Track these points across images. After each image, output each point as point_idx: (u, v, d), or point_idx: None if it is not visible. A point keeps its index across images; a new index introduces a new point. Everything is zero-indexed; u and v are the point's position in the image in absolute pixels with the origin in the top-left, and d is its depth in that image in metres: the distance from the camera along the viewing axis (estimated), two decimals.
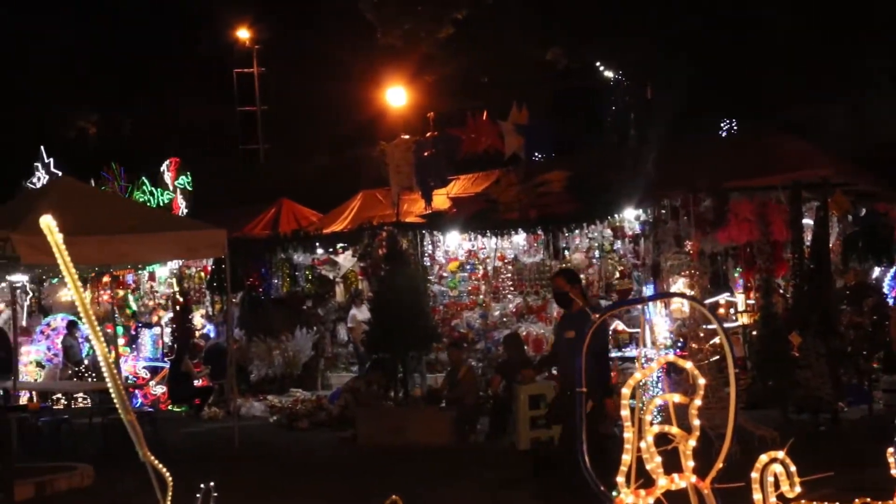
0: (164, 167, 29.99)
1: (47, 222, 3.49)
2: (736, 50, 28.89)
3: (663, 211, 18.19)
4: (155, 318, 26.91)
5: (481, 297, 23.32)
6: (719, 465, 5.10)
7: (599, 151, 26.18)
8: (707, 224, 17.39)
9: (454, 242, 23.04)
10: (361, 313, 22.50)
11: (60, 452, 15.43)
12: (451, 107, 27.70)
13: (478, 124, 21.65)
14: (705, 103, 27.94)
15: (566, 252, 22.33)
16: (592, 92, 32.73)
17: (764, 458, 5.02)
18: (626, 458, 4.83)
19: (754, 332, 17.33)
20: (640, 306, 18.37)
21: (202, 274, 26.72)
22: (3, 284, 23.11)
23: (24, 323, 25.10)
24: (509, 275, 23.43)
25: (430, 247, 22.07)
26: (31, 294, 27.72)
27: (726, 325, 16.15)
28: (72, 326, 24.13)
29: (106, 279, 25.82)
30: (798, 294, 16.61)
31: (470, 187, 23.38)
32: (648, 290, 18.61)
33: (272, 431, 18.35)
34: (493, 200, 20.55)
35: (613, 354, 18.60)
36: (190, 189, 29.49)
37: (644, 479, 4.87)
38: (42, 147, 31.68)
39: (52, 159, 31.12)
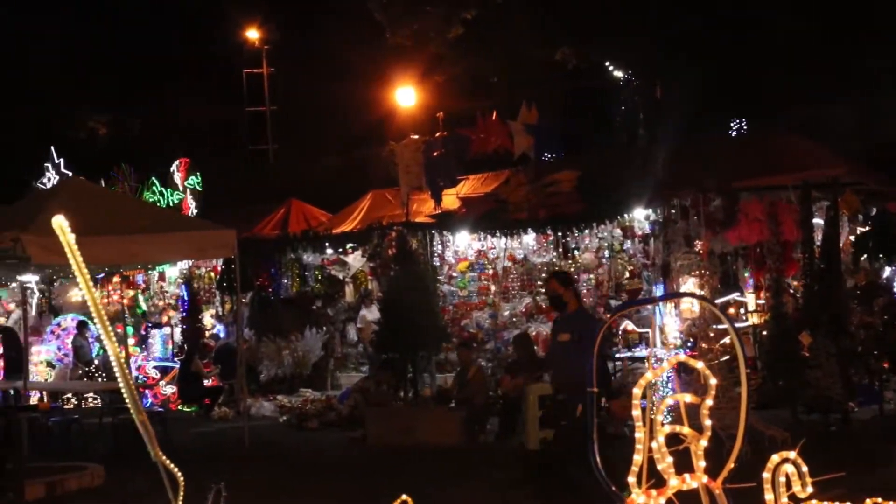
0: (174, 167, 30.02)
1: (59, 222, 3.49)
2: (742, 50, 28.86)
3: (673, 211, 18.18)
4: (165, 319, 26.96)
5: (491, 297, 23.33)
6: (731, 465, 5.09)
7: (609, 151, 26.17)
8: (717, 224, 17.38)
9: (464, 242, 23.06)
10: (371, 313, 22.52)
11: (71, 452, 15.45)
12: (461, 107, 27.67)
13: (487, 124, 21.67)
14: (715, 103, 27.91)
15: (576, 252, 22.33)
16: (602, 92, 32.74)
17: (775, 458, 5.01)
18: (638, 458, 4.82)
19: (764, 332, 17.30)
20: (650, 306, 18.39)
21: (212, 274, 26.76)
22: (14, 284, 23.15)
23: (34, 323, 25.12)
24: (519, 275, 23.42)
25: (439, 247, 22.10)
26: (41, 294, 27.75)
27: (736, 325, 16.13)
28: (82, 326, 24.17)
29: (116, 279, 25.86)
30: (808, 294, 16.58)
31: (479, 187, 23.39)
32: (658, 290, 18.59)
33: (282, 431, 18.35)
34: (503, 200, 20.55)
35: (623, 354, 18.61)
36: (200, 189, 29.52)
37: (655, 480, 4.86)
38: (52, 148, 31.72)
39: (62, 159, 31.16)
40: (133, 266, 23.25)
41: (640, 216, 19.77)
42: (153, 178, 30.15)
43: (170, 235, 15.76)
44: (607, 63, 32.52)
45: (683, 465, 5.00)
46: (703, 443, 5.00)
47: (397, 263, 19.34)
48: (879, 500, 5.45)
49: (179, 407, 21.77)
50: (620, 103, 32.01)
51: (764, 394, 15.81)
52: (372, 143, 32.03)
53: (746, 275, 18.97)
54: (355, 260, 24.62)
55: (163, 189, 29.70)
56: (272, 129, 41.07)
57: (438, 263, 22.38)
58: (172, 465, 4.35)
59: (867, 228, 19.05)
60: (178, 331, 25.65)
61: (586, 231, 20.78)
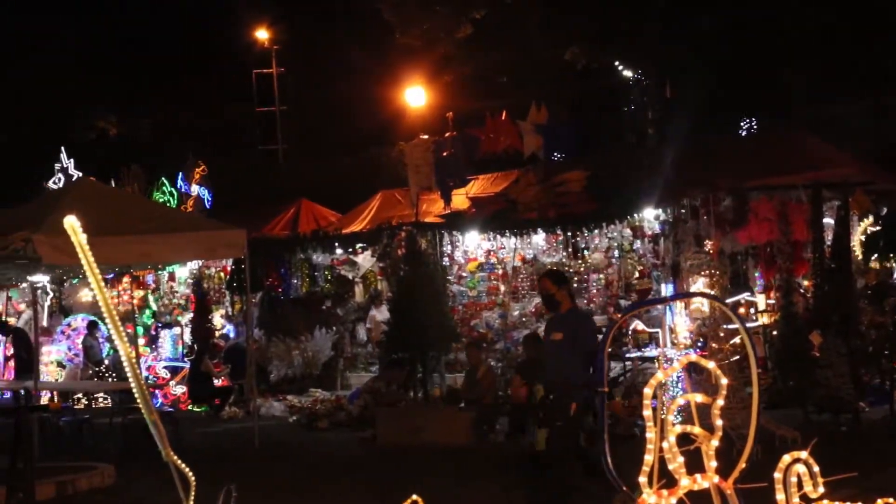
0: (186, 172, 29.96)
1: (71, 223, 3.49)
2: (753, 49, 28.81)
3: (683, 210, 18.16)
4: (174, 319, 27.01)
5: (500, 296, 23.32)
6: (742, 465, 5.09)
7: (618, 151, 26.15)
8: (727, 223, 17.37)
9: (473, 242, 23.06)
10: (381, 314, 22.52)
11: (81, 452, 15.46)
12: (470, 107, 27.66)
13: (497, 124, 21.68)
14: (724, 102, 27.87)
15: (585, 252, 22.30)
16: (611, 91, 32.69)
17: (787, 458, 5.00)
18: (649, 458, 4.82)
19: (775, 332, 17.28)
20: (660, 306, 18.37)
21: (222, 274, 26.78)
22: (25, 285, 23.18)
23: (44, 323, 25.17)
24: (528, 274, 23.40)
25: (449, 247, 22.10)
26: (51, 294, 27.79)
27: (747, 325, 16.11)
28: (92, 327, 24.21)
29: (126, 279, 25.88)
30: (819, 293, 16.57)
31: (489, 187, 23.37)
32: (668, 290, 18.57)
33: (292, 431, 18.34)
34: (513, 200, 20.55)
35: (633, 354, 18.59)
36: (208, 200, 29.47)
37: (666, 480, 4.86)
38: (62, 149, 31.77)
39: (72, 160, 31.21)
40: (143, 266, 23.29)
41: (650, 216, 19.75)
42: (163, 179, 30.17)
43: (180, 235, 15.76)
44: (617, 63, 32.49)
45: (694, 465, 5.00)
46: (715, 443, 5.00)
47: (407, 263, 19.34)
48: (891, 500, 5.44)
49: (189, 407, 21.79)
50: (630, 103, 31.98)
51: (774, 394, 15.80)
52: (382, 144, 32.08)
53: (757, 274, 18.96)
54: (365, 260, 24.61)
55: (172, 189, 29.71)
56: (282, 129, 41.09)
57: (448, 263, 22.38)
58: (184, 466, 4.35)
59: (878, 228, 19.01)
60: (188, 331, 25.66)
61: (596, 231, 20.77)
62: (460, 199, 22.21)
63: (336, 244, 23.98)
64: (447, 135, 22.21)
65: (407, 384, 18.47)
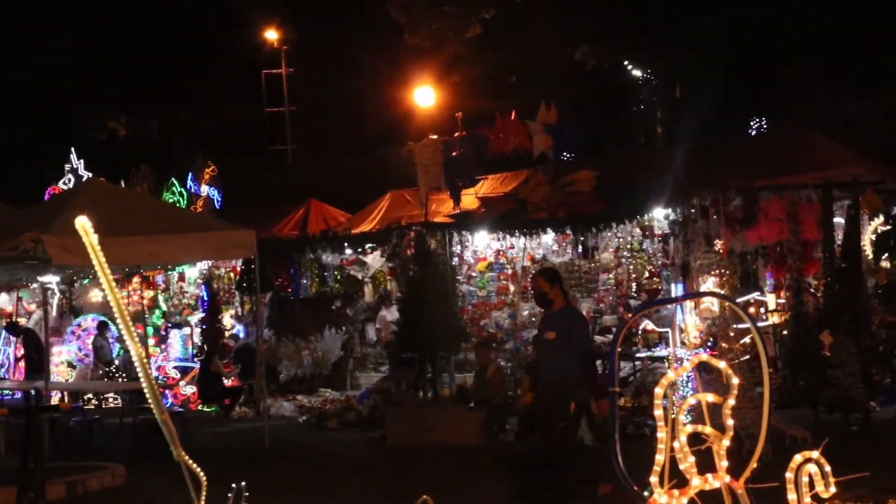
0: (196, 173, 29.98)
1: (83, 223, 3.49)
2: (763, 48, 28.78)
3: (693, 210, 18.14)
4: (184, 319, 27.04)
5: (510, 296, 23.31)
6: (753, 464, 5.07)
7: (628, 151, 26.14)
8: (737, 223, 17.33)
9: (483, 242, 23.05)
10: (391, 314, 22.52)
11: (92, 452, 15.49)
12: (479, 107, 27.65)
13: (506, 124, 21.66)
14: (734, 102, 27.83)
15: (595, 252, 22.28)
16: (621, 91, 32.67)
17: (798, 458, 4.99)
18: (660, 457, 4.81)
19: (785, 332, 17.25)
20: (669, 306, 18.35)
21: (231, 274, 26.79)
22: (35, 285, 23.23)
23: (55, 324, 25.22)
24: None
25: (458, 247, 22.08)
26: (61, 295, 27.85)
27: (757, 324, 16.08)
28: (102, 327, 24.26)
29: (136, 280, 25.92)
30: (829, 293, 16.53)
31: (498, 187, 23.35)
32: (678, 290, 18.54)
33: (301, 431, 18.36)
34: (522, 200, 20.53)
35: (643, 354, 18.58)
36: (217, 200, 29.48)
37: (678, 479, 4.85)
38: (72, 150, 31.80)
39: (82, 161, 31.25)
40: (153, 266, 23.30)
41: (660, 215, 19.74)
42: (172, 179, 30.20)
43: (189, 236, 15.79)
44: (626, 62, 32.47)
45: (706, 464, 4.99)
46: (726, 442, 4.99)
47: (416, 263, 19.33)
48: None
49: (199, 407, 21.80)
50: (639, 102, 31.95)
51: (785, 393, 15.76)
52: (391, 144, 32.04)
53: (767, 274, 18.92)
54: (374, 260, 24.62)
55: (182, 190, 29.73)
56: (291, 129, 41.12)
57: (457, 263, 22.37)
58: (195, 465, 4.35)
59: (888, 227, 18.96)
60: (197, 331, 25.69)
61: (605, 231, 20.75)
62: (469, 199, 22.20)
63: (345, 244, 23.98)
64: (456, 135, 22.19)
65: (416, 384, 18.47)
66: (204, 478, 4.42)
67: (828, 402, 15.12)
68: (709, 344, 15.73)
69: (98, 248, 3.53)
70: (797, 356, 15.96)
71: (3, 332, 25.88)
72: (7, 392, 21.47)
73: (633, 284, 22.33)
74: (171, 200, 28.36)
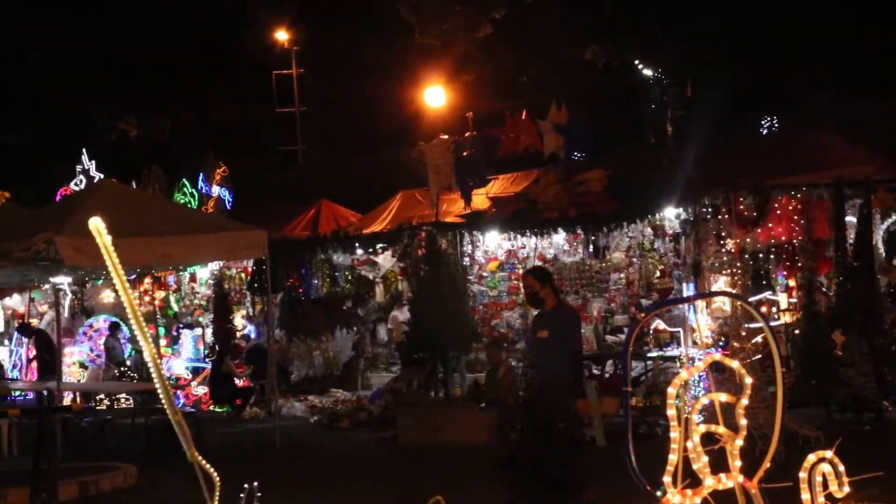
0: (207, 173, 30.03)
1: (96, 224, 3.50)
2: (775, 47, 28.74)
3: (704, 209, 18.11)
4: (195, 319, 27.09)
5: (521, 296, 23.28)
6: (766, 464, 5.06)
7: (639, 150, 26.09)
8: (748, 222, 17.30)
9: (493, 242, 23.05)
10: (403, 314, 22.53)
11: (104, 452, 15.51)
12: (490, 106, 27.66)
13: (517, 124, 21.65)
14: (746, 101, 27.79)
15: (606, 251, 22.27)
16: (631, 90, 32.62)
17: (812, 457, 4.98)
18: (673, 457, 4.80)
19: (797, 331, 17.21)
20: (681, 305, 18.32)
21: (243, 275, 26.82)
22: (47, 286, 23.29)
23: (67, 324, 25.27)
24: None
25: (469, 247, 22.08)
26: (73, 296, 27.91)
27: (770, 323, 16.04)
28: (114, 328, 24.30)
29: (148, 280, 25.97)
30: (841, 292, 16.50)
31: (509, 187, 23.36)
32: (689, 290, 18.52)
33: (313, 431, 18.36)
34: (533, 200, 20.53)
35: (654, 353, 18.56)
36: (228, 201, 29.52)
37: (691, 479, 4.84)
38: (84, 150, 31.87)
39: (93, 162, 31.32)
40: (164, 267, 23.35)
41: (671, 215, 19.71)
42: (184, 180, 30.25)
43: (201, 237, 15.80)
44: (637, 61, 32.43)
45: (719, 464, 4.98)
46: (739, 442, 4.97)
47: (427, 264, 19.35)
48: None
49: (211, 407, 21.83)
50: (650, 102, 31.89)
51: (797, 393, 15.72)
52: (401, 144, 32.04)
53: (781, 273, 18.88)
54: (385, 260, 24.63)
55: (193, 190, 29.77)
56: (302, 129, 41.17)
57: (468, 263, 22.37)
58: (208, 466, 4.35)
59: None
60: (209, 331, 25.73)
61: (617, 230, 20.74)
62: (480, 199, 22.21)
63: (356, 244, 23.99)
64: (467, 134, 22.20)
65: (428, 384, 18.47)
66: (217, 478, 4.42)
67: (840, 401, 15.08)
68: (720, 343, 15.70)
69: (112, 249, 3.54)
70: (809, 355, 15.93)
71: (16, 333, 25.97)
72: (20, 393, 21.53)
73: (645, 284, 22.30)
74: (182, 201, 28.40)
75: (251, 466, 13.68)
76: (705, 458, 4.82)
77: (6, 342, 27.16)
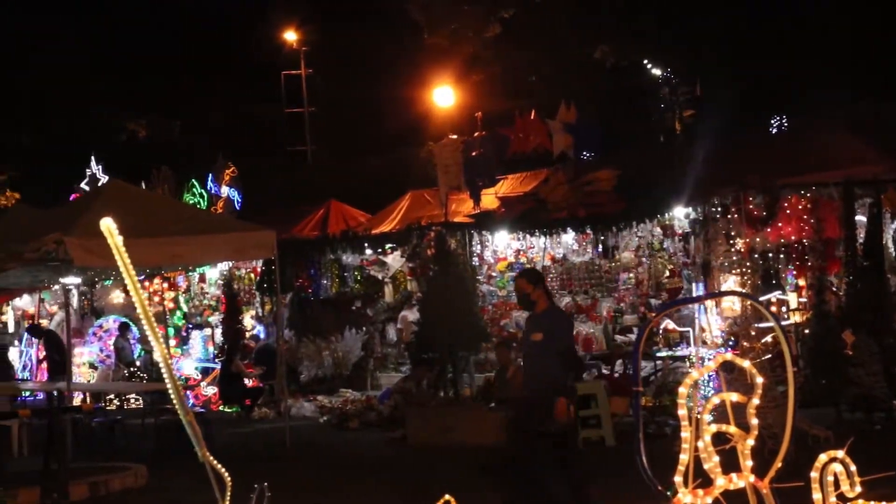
0: (216, 174, 30.06)
1: (108, 224, 3.50)
2: (785, 46, 28.70)
3: (713, 208, 18.08)
4: (205, 320, 27.12)
5: None
6: (778, 464, 5.05)
7: (648, 149, 26.08)
8: (758, 221, 17.26)
9: (503, 242, 23.05)
10: (413, 314, 22.53)
11: (114, 453, 15.55)
12: (499, 106, 27.65)
13: (526, 123, 21.64)
14: (755, 100, 27.75)
15: (615, 251, 22.26)
16: (641, 90, 32.62)
17: (823, 457, 4.96)
18: (684, 457, 4.79)
19: (807, 331, 17.18)
20: (690, 305, 18.30)
21: (252, 275, 26.85)
22: (57, 287, 23.33)
23: (76, 325, 25.30)
24: (558, 274, 23.36)
25: (478, 246, 22.09)
26: (83, 296, 27.96)
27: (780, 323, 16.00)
28: (123, 328, 24.34)
29: (157, 281, 26.01)
30: (851, 292, 16.47)
31: (518, 187, 23.36)
32: (699, 289, 18.50)
33: (322, 432, 18.38)
34: (542, 200, 20.52)
35: (664, 353, 18.54)
36: (237, 201, 29.55)
37: (702, 479, 4.83)
38: (92, 152, 31.92)
39: (101, 164, 31.36)
40: (174, 268, 23.39)
41: (680, 214, 19.68)
42: (193, 180, 30.28)
43: (210, 237, 15.82)
44: (646, 61, 32.41)
45: (729, 464, 4.97)
46: (750, 442, 4.96)
47: (436, 263, 19.34)
48: None
49: (220, 408, 21.85)
50: (660, 101, 31.88)
51: (807, 392, 15.69)
52: (410, 144, 32.09)
53: (793, 273, 18.85)
54: (394, 260, 24.64)
55: (202, 191, 29.81)
56: (311, 130, 41.20)
57: (477, 263, 22.37)
58: (220, 466, 4.35)
59: None
60: (218, 332, 25.76)
61: (626, 230, 20.72)
62: (489, 199, 22.21)
63: (365, 244, 24.01)
64: (476, 134, 22.21)
65: (437, 384, 18.47)
66: (228, 478, 4.42)
67: (850, 401, 15.05)
68: (730, 343, 15.68)
69: (123, 249, 3.54)
70: (819, 355, 15.89)
71: (26, 333, 26.04)
72: (30, 393, 21.57)
73: (654, 284, 22.29)
74: (191, 202, 28.44)
75: (261, 466, 13.70)
76: (716, 458, 4.81)
77: (16, 343, 27.24)
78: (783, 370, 5.32)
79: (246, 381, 21.76)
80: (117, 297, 26.90)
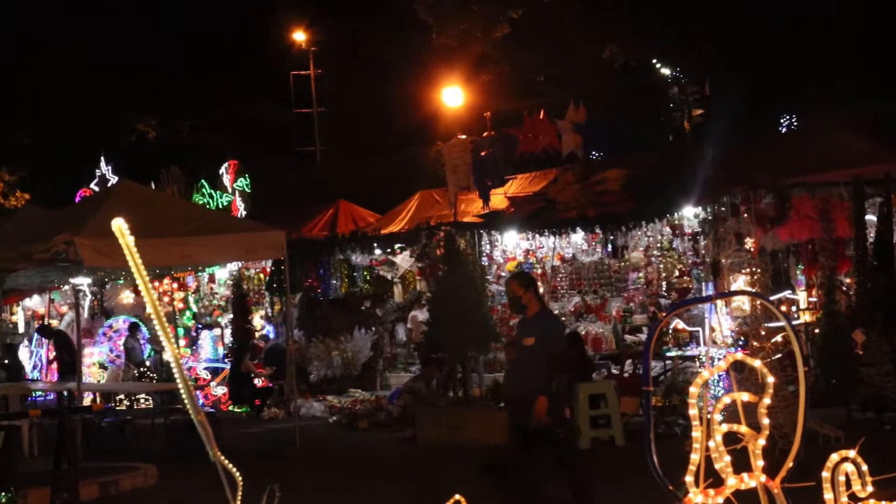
0: (222, 170, 30.18)
1: (119, 225, 3.50)
2: (794, 46, 28.64)
3: (723, 208, 18.06)
4: (214, 320, 27.15)
5: None
6: (789, 464, 5.04)
7: (657, 149, 26.05)
8: (768, 221, 17.24)
9: (512, 242, 23.04)
10: (423, 314, 22.52)
11: (124, 452, 15.58)
12: (508, 106, 27.63)
13: (535, 123, 21.62)
14: (765, 99, 27.71)
15: (625, 251, 22.25)
16: (650, 89, 32.57)
17: (835, 457, 4.95)
18: (695, 457, 4.78)
19: (817, 330, 17.15)
20: (700, 305, 18.27)
21: (261, 275, 26.88)
22: (67, 287, 23.38)
23: (86, 325, 25.35)
24: (567, 274, 23.35)
25: (487, 246, 22.09)
26: (93, 297, 28.01)
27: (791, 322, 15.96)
28: (133, 328, 24.36)
29: (167, 281, 26.05)
30: (861, 291, 16.44)
31: (527, 186, 23.35)
32: (708, 289, 18.47)
33: (332, 431, 18.38)
34: (551, 199, 20.51)
35: (673, 353, 18.51)
36: (248, 191, 29.65)
37: (713, 479, 4.83)
38: (102, 153, 32.00)
39: (111, 165, 31.43)
40: (183, 268, 23.43)
41: (690, 214, 19.66)
42: (202, 181, 30.34)
43: (220, 237, 15.85)
44: (655, 60, 32.37)
45: (740, 464, 4.96)
46: (762, 441, 4.95)
47: (446, 263, 19.33)
48: None
49: (230, 408, 21.87)
50: (669, 100, 31.84)
51: (817, 392, 15.65)
52: (419, 144, 32.10)
53: (799, 271, 18.82)
54: (404, 260, 24.65)
55: (212, 191, 29.86)
56: (319, 130, 41.23)
57: (487, 263, 22.37)
58: (231, 466, 4.36)
59: None
60: (228, 332, 25.78)
61: (635, 230, 20.70)
62: (499, 199, 22.20)
63: (375, 244, 24.03)
64: (485, 134, 22.21)
65: (447, 384, 18.47)
66: (240, 478, 4.43)
67: (861, 400, 15.03)
68: (740, 343, 15.66)
69: (135, 249, 3.55)
70: (829, 355, 15.85)
71: (36, 334, 26.09)
72: (40, 393, 21.62)
73: (664, 283, 22.26)
74: (200, 202, 28.50)
75: (271, 466, 13.69)
76: (728, 458, 4.80)
77: (26, 343, 27.29)
78: (793, 370, 5.32)
79: (256, 381, 21.78)
80: (127, 297, 26.94)
